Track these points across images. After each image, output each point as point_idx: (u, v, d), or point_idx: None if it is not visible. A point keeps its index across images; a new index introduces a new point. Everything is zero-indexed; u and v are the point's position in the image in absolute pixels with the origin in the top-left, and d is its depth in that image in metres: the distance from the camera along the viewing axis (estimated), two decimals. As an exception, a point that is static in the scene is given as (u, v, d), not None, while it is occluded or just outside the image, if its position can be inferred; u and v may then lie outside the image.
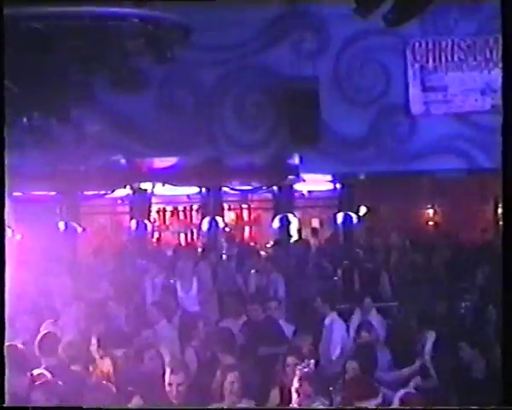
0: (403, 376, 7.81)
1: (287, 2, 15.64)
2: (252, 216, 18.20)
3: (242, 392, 6.54)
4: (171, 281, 11.24)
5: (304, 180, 16.36)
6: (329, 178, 16.73)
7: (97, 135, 14.99)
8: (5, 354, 4.73)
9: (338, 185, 16.92)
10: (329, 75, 15.89)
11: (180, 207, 17.99)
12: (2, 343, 4.60)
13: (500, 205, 14.45)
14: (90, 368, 7.41)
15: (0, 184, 4.58)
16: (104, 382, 6.59)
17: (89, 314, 9.07)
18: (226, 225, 16.82)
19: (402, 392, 5.97)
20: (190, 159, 15.63)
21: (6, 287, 4.57)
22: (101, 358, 7.58)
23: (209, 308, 10.73)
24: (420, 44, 16.02)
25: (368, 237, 15.69)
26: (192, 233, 17.72)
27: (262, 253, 13.61)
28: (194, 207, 17.71)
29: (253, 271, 11.92)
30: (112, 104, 15.16)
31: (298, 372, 6.20)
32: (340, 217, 16.74)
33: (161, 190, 16.49)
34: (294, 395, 6.16)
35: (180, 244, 17.06)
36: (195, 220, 17.55)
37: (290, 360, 6.96)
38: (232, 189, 16.60)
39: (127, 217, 17.04)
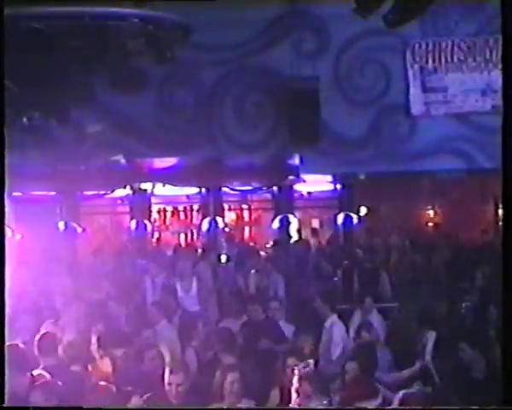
0: (403, 377, 7.80)
1: (287, 2, 15.65)
2: (252, 216, 18.20)
3: (242, 392, 6.54)
4: (171, 281, 11.23)
5: (304, 180, 16.36)
6: (329, 178, 16.73)
7: (97, 135, 14.99)
8: (5, 354, 4.73)
9: (338, 186, 16.92)
10: (329, 75, 15.90)
11: (180, 208, 17.99)
12: (3, 343, 4.59)
13: (500, 205, 14.45)
14: (90, 368, 7.41)
15: (0, 184, 4.58)
16: (104, 382, 6.59)
17: (89, 314, 9.06)
18: (226, 225, 16.82)
19: (401, 393, 5.97)
20: (190, 159, 15.63)
21: (6, 287, 4.57)
22: (101, 357, 7.59)
23: (209, 308, 10.73)
24: (420, 45, 16.02)
25: (368, 237, 15.69)
26: (192, 233, 17.72)
27: (262, 253, 13.60)
28: (195, 207, 17.71)
29: (253, 271, 11.91)
30: (112, 104, 15.18)
31: (297, 372, 6.20)
32: (340, 217, 16.74)
33: (161, 190, 16.49)
34: (294, 395, 6.16)
35: (180, 244, 17.06)
36: (195, 220, 17.56)
37: (290, 360, 6.96)
38: (232, 189, 16.60)
39: (127, 217, 17.05)
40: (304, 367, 6.22)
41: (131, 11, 11.14)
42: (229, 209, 17.77)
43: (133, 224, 16.52)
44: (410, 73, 16.06)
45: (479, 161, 15.73)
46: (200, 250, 14.70)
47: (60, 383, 6.15)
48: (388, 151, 15.95)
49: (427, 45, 16.03)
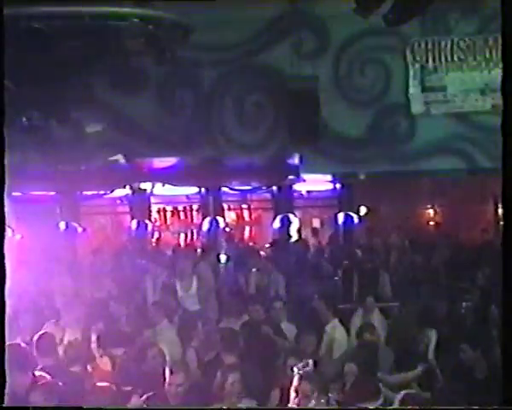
0: (408, 378, 7.79)
1: (287, 2, 15.63)
2: (252, 216, 18.20)
3: (243, 392, 6.54)
4: (172, 281, 11.24)
5: (304, 180, 16.35)
6: (329, 178, 16.71)
7: (97, 135, 14.98)
8: (5, 353, 4.72)
9: (338, 185, 16.91)
10: (329, 75, 15.88)
11: (180, 208, 17.99)
12: (3, 343, 4.59)
13: (500, 205, 14.45)
14: (90, 368, 7.41)
15: (0, 184, 4.57)
16: (104, 382, 6.58)
17: (89, 314, 9.07)
18: (226, 225, 16.82)
19: (402, 393, 5.97)
20: (190, 159, 15.62)
21: (6, 287, 4.57)
22: (101, 357, 7.59)
23: (209, 308, 10.73)
24: (420, 44, 16.01)
25: (368, 237, 15.68)
26: (192, 233, 17.72)
27: (262, 253, 13.60)
28: (194, 207, 17.71)
29: (253, 270, 11.91)
30: (112, 104, 15.17)
31: (296, 372, 6.19)
32: (340, 217, 16.74)
33: (161, 190, 16.49)
34: (293, 395, 6.16)
35: (180, 244, 17.07)
36: (195, 220, 17.56)
37: (291, 360, 6.96)
38: (232, 189, 16.60)
39: (127, 217, 17.05)
40: (303, 367, 6.22)
41: (131, 11, 11.14)
42: (229, 209, 17.77)
43: (133, 224, 16.52)
44: (410, 72, 16.05)
45: (479, 161, 15.72)
46: (200, 250, 14.71)
47: (59, 383, 6.14)
48: (388, 151, 15.94)
49: (426, 44, 16.01)
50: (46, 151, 13.89)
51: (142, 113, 15.53)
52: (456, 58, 16.02)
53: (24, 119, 12.07)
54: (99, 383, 6.48)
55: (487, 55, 15.87)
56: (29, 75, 10.65)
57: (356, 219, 16.75)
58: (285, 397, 6.60)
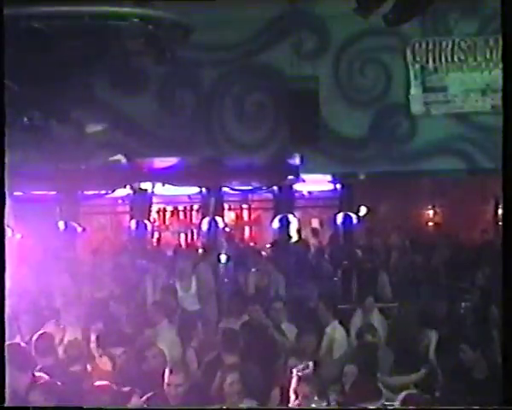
0: (409, 381, 7.77)
1: (287, 2, 15.63)
2: (252, 216, 18.20)
3: (244, 392, 6.53)
4: (172, 281, 11.23)
5: (304, 180, 16.36)
6: (329, 178, 16.71)
7: (97, 135, 14.99)
8: (5, 353, 4.73)
9: (338, 185, 16.91)
10: (329, 75, 15.89)
11: (180, 207, 17.99)
12: (3, 343, 4.59)
13: (500, 205, 14.45)
14: (90, 368, 7.40)
15: (0, 183, 4.57)
16: (104, 382, 6.58)
17: (89, 314, 9.07)
18: (226, 225, 16.82)
19: (403, 393, 5.96)
20: (190, 159, 15.62)
21: (6, 286, 4.57)
22: (101, 356, 7.59)
23: (209, 308, 10.73)
24: (420, 45, 16.01)
25: (368, 237, 15.68)
26: (192, 233, 17.72)
27: (262, 253, 13.59)
28: (195, 207, 17.71)
29: (253, 270, 11.91)
30: (112, 104, 15.17)
31: (296, 374, 6.18)
32: (340, 217, 16.73)
33: (161, 190, 16.49)
34: (292, 397, 6.15)
35: (180, 244, 17.07)
36: (195, 220, 17.56)
37: (291, 360, 6.96)
38: (232, 189, 16.60)
39: (127, 217, 17.04)
40: (303, 369, 6.21)
41: (131, 11, 11.15)
42: (230, 209, 17.77)
43: (133, 224, 16.52)
44: (411, 72, 16.05)
45: (479, 161, 15.72)
46: (200, 250, 14.70)
47: (59, 383, 6.14)
48: (388, 151, 15.94)
49: (427, 45, 16.01)
50: (46, 151, 13.89)
51: (142, 113, 15.53)
52: (456, 59, 16.02)
53: (24, 118, 12.07)
54: (99, 384, 6.47)
55: (488, 56, 15.87)
56: (29, 75, 10.66)
57: (356, 220, 16.75)
58: (285, 397, 6.60)
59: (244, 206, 18.09)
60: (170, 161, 15.64)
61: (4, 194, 4.65)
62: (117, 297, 10.13)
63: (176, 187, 16.42)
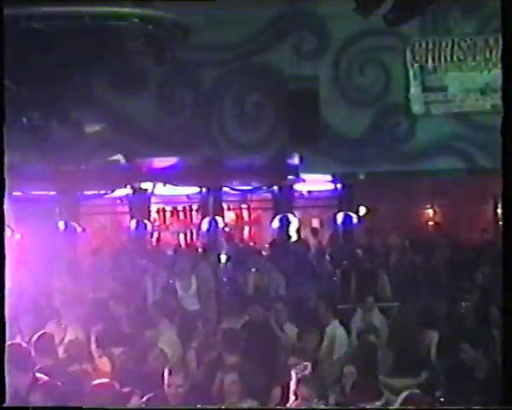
0: (410, 384, 7.76)
1: (287, 2, 15.63)
2: (252, 216, 18.20)
3: (245, 392, 6.53)
4: (172, 281, 11.23)
5: (304, 180, 16.36)
6: (329, 178, 16.72)
7: (97, 135, 14.99)
8: (6, 353, 4.72)
9: (338, 185, 16.91)
10: (329, 75, 15.89)
11: (180, 208, 17.99)
12: (3, 343, 4.59)
13: (500, 205, 14.44)
14: (90, 368, 7.40)
15: (0, 184, 4.57)
16: (104, 382, 6.57)
17: (89, 314, 9.06)
18: (226, 225, 16.82)
19: (404, 393, 5.96)
20: (190, 159, 15.62)
21: (6, 287, 4.57)
22: (100, 357, 7.59)
23: (209, 308, 10.72)
24: (420, 44, 16.02)
25: (368, 237, 15.68)
26: (192, 233, 17.72)
27: (262, 253, 13.59)
28: (194, 207, 17.71)
29: (253, 270, 11.91)
30: (112, 104, 15.17)
31: (295, 375, 6.17)
32: (339, 217, 16.73)
33: (161, 190, 16.49)
34: (292, 398, 6.14)
35: (180, 244, 17.06)
36: (195, 220, 17.56)
37: (291, 360, 6.95)
38: (232, 189, 16.60)
39: (127, 217, 17.04)
40: (302, 370, 6.19)
41: (131, 11, 11.15)
42: (229, 209, 17.78)
43: (133, 224, 16.52)
44: (410, 72, 16.05)
45: (479, 161, 15.73)
46: (200, 250, 14.70)
47: (59, 383, 6.14)
48: (388, 151, 15.95)
49: (427, 44, 16.02)
50: (46, 151, 13.90)
51: (142, 113, 15.53)
52: (456, 58, 16.03)
53: (24, 119, 12.07)
54: (99, 384, 6.47)
55: (487, 56, 15.88)
56: (29, 75, 10.66)
57: (356, 220, 16.75)
58: (286, 397, 6.59)
59: (244, 206, 18.09)
60: (170, 161, 15.64)
61: (4, 194, 4.65)
62: (117, 297, 10.12)
63: (176, 187, 16.42)
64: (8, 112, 4.71)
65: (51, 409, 5.72)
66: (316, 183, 16.93)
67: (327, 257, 13.82)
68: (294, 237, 16.11)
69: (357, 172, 16.27)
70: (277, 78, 15.60)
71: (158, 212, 17.73)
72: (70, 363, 7.24)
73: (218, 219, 16.44)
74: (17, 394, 5.77)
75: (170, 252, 14.42)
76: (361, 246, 14.49)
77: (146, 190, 16.47)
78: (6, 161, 4.63)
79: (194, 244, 16.76)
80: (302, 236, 16.48)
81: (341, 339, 8.96)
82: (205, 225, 16.44)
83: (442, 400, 6.95)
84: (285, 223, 16.40)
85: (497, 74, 15.28)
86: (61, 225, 16.22)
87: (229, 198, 17.24)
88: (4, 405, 4.45)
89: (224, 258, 14.03)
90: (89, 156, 15.26)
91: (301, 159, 15.71)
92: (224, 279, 12.39)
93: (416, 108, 16.08)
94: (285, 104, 15.56)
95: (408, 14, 8.47)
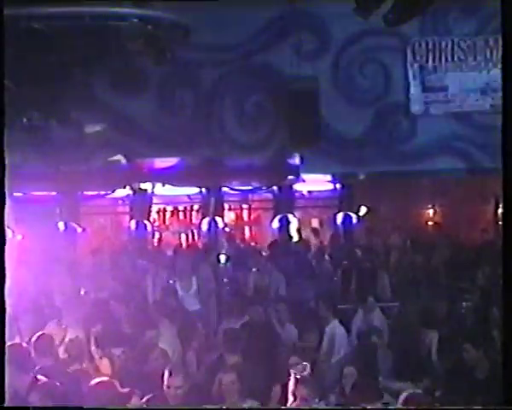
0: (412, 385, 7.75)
1: (287, 2, 15.63)
2: (252, 216, 18.19)
3: (244, 392, 6.53)
4: (172, 281, 11.23)
5: (304, 180, 16.35)
6: (329, 178, 16.71)
7: (97, 135, 14.98)
8: (6, 353, 4.73)
9: (338, 185, 16.90)
10: (329, 75, 15.88)
11: (180, 208, 17.99)
12: (3, 343, 4.59)
13: (500, 205, 14.45)
14: (90, 368, 7.40)
15: (0, 184, 4.58)
16: (104, 382, 6.57)
17: (89, 314, 9.06)
18: (226, 225, 16.82)
19: (405, 393, 5.95)
20: (190, 159, 15.62)
21: (6, 287, 4.57)
22: (101, 358, 7.59)
23: (209, 309, 10.72)
24: (420, 44, 16.01)
25: (368, 237, 15.68)
26: (192, 233, 17.72)
27: (262, 253, 13.59)
28: (195, 207, 17.71)
29: (253, 270, 11.91)
30: (112, 104, 15.16)
31: (293, 376, 6.16)
32: (340, 217, 16.73)
33: (161, 190, 16.48)
34: (291, 398, 6.13)
35: (180, 244, 17.06)
36: (195, 220, 17.55)
37: (291, 360, 6.95)
38: (232, 189, 16.60)
39: (127, 217, 17.04)
40: (301, 371, 6.19)
41: (131, 11, 11.15)
42: (230, 209, 17.77)
43: (133, 224, 16.51)
44: (410, 72, 16.05)
45: (479, 161, 15.72)
46: (200, 250, 14.70)
47: (59, 383, 6.14)
48: (388, 151, 15.94)
49: (427, 44, 16.02)
50: (46, 151, 13.90)
51: (142, 113, 15.52)
52: (456, 58, 16.03)
53: (24, 119, 12.07)
54: (99, 384, 6.46)
55: (487, 56, 15.88)
56: (29, 75, 10.66)
57: (356, 220, 16.75)
58: (286, 397, 6.59)
59: (244, 206, 18.08)
60: (170, 161, 15.64)
61: (4, 194, 4.65)
62: (117, 298, 10.13)
63: (176, 187, 16.42)
64: (8, 112, 4.72)
65: (51, 409, 5.71)
66: (316, 183, 16.93)
67: (327, 257, 13.82)
68: (295, 238, 16.11)
69: (357, 172, 16.27)
70: (277, 78, 15.59)
71: (158, 212, 17.72)
72: (70, 363, 7.24)
73: (219, 219, 16.43)
74: (17, 394, 5.77)
75: (170, 252, 14.41)
76: (361, 246, 14.49)
77: (146, 190, 16.47)
78: (6, 161, 4.64)
79: (194, 244, 16.75)
80: (302, 236, 16.47)
81: (341, 338, 8.96)
82: (205, 226, 16.43)
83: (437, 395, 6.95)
84: (285, 223, 16.40)
85: (497, 74, 15.29)
86: (62, 225, 16.21)
87: (230, 198, 17.24)
88: (4, 405, 4.46)
89: (224, 258, 14.03)
90: (89, 157, 15.25)
91: (301, 159, 15.71)
92: (225, 279, 12.39)
93: (416, 108, 16.07)
94: (285, 104, 15.55)
95: (408, 14, 8.47)
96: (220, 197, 16.68)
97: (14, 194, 14.09)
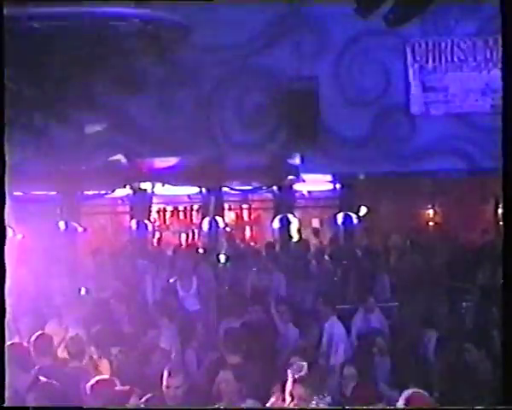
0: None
1: (287, 2, 15.63)
2: (252, 216, 18.20)
3: (244, 392, 6.53)
4: (172, 281, 11.23)
5: (304, 180, 16.36)
6: (329, 178, 16.72)
7: (97, 135, 14.99)
8: (6, 353, 4.73)
9: (338, 185, 16.91)
10: (329, 75, 15.88)
11: (180, 208, 17.99)
12: (3, 343, 4.59)
13: (500, 205, 14.45)
14: (90, 368, 7.40)
15: (0, 184, 4.58)
16: (103, 382, 6.57)
17: (89, 314, 9.06)
18: (226, 225, 16.82)
19: (406, 393, 5.94)
20: (190, 159, 15.62)
21: (6, 287, 4.57)
22: (100, 358, 7.59)
23: (209, 309, 10.72)
24: (420, 45, 16.02)
25: (368, 237, 15.68)
26: (193, 233, 17.72)
27: (262, 253, 13.59)
28: (195, 207, 17.71)
29: (254, 269, 11.92)
30: (112, 104, 15.16)
31: (291, 375, 6.14)
32: (340, 217, 16.73)
33: (161, 190, 16.49)
34: (288, 399, 6.11)
35: (180, 244, 17.06)
36: (196, 220, 17.55)
37: (291, 360, 6.95)
38: (232, 189, 16.60)
39: (127, 217, 17.04)
40: (298, 371, 6.17)
41: (131, 11, 11.17)
42: (230, 209, 17.77)
43: (133, 224, 16.51)
44: (410, 72, 16.06)
45: (479, 161, 15.72)
46: (200, 250, 14.70)
47: (58, 383, 6.14)
48: (388, 151, 15.94)
49: (427, 45, 16.03)
50: (46, 151, 13.89)
51: (142, 113, 15.52)
52: (456, 58, 16.04)
53: (24, 119, 12.07)
54: (98, 382, 6.46)
55: (487, 56, 15.89)
56: (29, 75, 10.66)
57: (356, 220, 16.75)
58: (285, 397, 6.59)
59: (244, 206, 18.09)
60: (170, 161, 15.64)
61: (4, 194, 4.65)
62: (117, 297, 10.13)
63: (176, 187, 16.42)
64: (8, 112, 4.72)
65: (51, 409, 5.72)
66: (316, 183, 16.94)
67: (327, 257, 13.82)
68: (295, 238, 16.11)
69: (357, 172, 16.28)
70: (277, 78, 15.60)
71: (158, 212, 17.73)
72: (69, 361, 7.24)
73: (219, 219, 16.43)
74: (17, 394, 5.77)
75: (170, 252, 14.41)
76: (361, 246, 14.49)
77: (146, 190, 16.47)
78: (6, 160, 4.64)
79: (194, 244, 16.76)
80: (303, 236, 16.47)
81: (340, 338, 8.96)
82: (205, 226, 16.43)
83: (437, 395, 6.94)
84: (285, 223, 16.40)
85: (497, 74, 15.29)
86: (62, 225, 16.21)
87: (230, 198, 17.24)
88: (4, 405, 4.46)
89: (224, 258, 14.03)
90: (89, 156, 15.26)
91: (301, 159, 15.71)
92: (225, 279, 12.39)
93: (416, 108, 16.08)
94: (285, 104, 15.56)
95: (408, 14, 8.46)
96: (220, 197, 16.68)
97: (15, 193, 14.09)
